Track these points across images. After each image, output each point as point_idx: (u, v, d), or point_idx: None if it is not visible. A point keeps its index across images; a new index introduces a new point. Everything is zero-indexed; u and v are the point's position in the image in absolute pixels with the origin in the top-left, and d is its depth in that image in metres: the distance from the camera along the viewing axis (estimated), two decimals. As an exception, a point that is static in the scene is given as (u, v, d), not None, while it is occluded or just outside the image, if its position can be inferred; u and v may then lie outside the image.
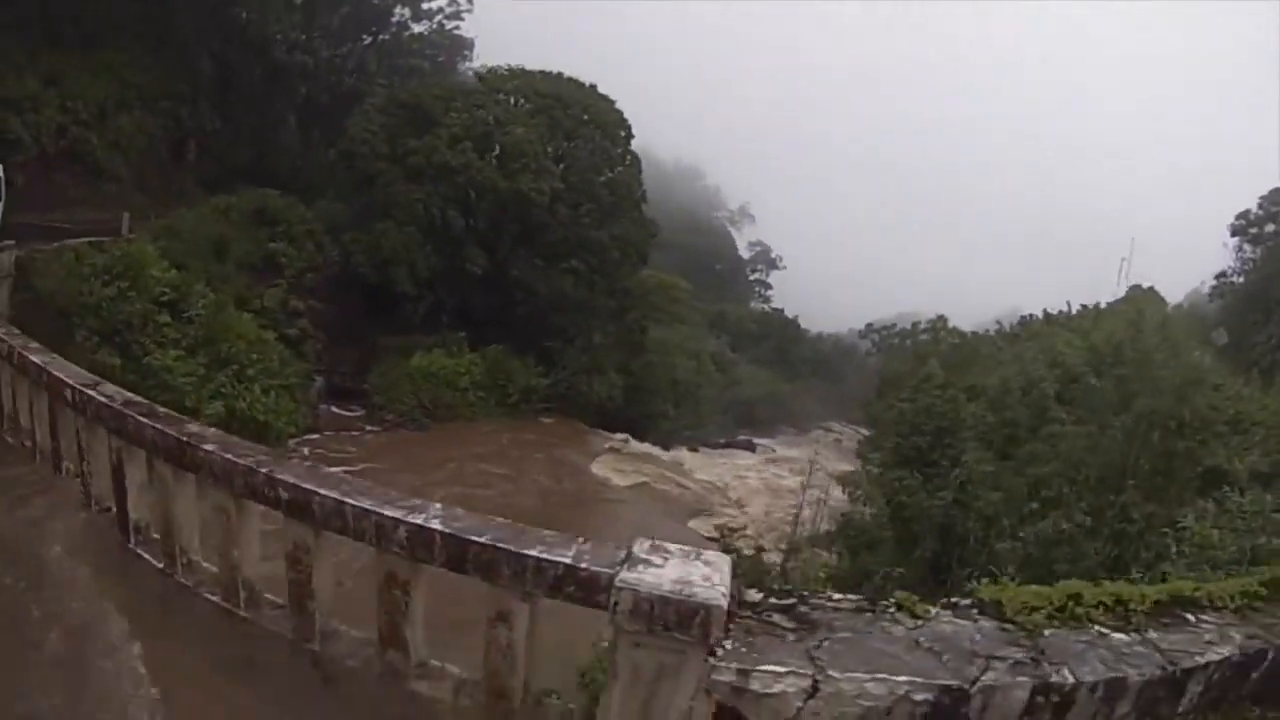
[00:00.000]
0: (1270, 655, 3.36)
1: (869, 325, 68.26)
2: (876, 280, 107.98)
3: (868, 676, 3.01)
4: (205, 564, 5.15)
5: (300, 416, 30.58)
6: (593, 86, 44.57)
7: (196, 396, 26.19)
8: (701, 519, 27.82)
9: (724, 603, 3.06)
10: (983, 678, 3.02)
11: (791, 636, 3.19)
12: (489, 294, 38.22)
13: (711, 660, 3.04)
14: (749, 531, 22.76)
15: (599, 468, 32.35)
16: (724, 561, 3.38)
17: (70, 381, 6.28)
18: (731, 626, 3.20)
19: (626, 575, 3.16)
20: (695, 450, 41.80)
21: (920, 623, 3.32)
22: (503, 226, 38.55)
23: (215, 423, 25.17)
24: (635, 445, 36.87)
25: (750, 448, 47.40)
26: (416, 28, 60.41)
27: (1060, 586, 3.52)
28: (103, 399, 5.83)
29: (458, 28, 61.68)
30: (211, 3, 45.55)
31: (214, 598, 4.90)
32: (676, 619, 3.06)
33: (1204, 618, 3.56)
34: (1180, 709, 3.24)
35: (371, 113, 40.74)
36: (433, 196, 37.42)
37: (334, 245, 38.74)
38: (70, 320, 24.65)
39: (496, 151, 38.65)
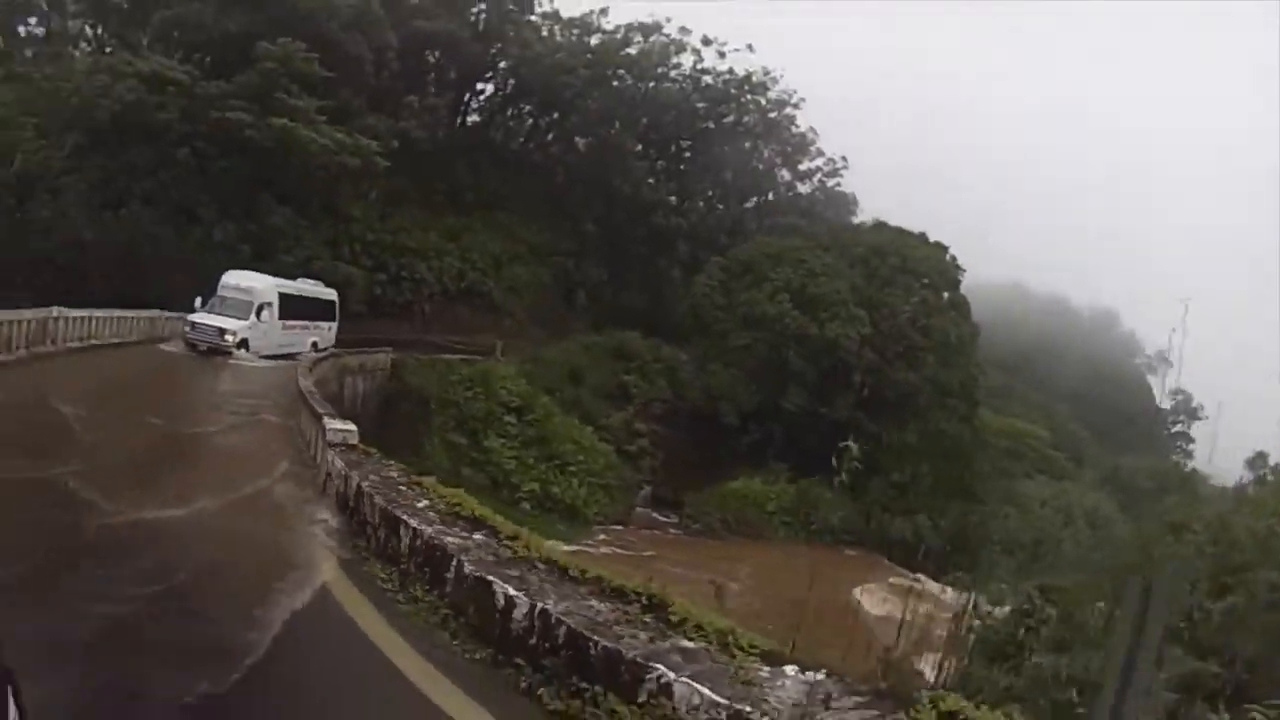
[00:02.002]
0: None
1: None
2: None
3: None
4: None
5: (609, 509, 39.65)
6: (921, 235, 50.69)
7: (520, 476, 37.05)
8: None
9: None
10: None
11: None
12: (809, 430, 44.64)
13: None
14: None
15: (863, 594, 36.36)
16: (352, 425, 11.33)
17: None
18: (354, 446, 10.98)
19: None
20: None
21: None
22: (817, 369, 45.28)
23: (531, 497, 36.33)
24: (928, 585, 39.93)
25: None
26: (802, 188, 71.07)
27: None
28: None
29: (838, 184, 71.43)
30: (593, 177, 59.54)
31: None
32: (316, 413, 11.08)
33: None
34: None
35: (714, 270, 50.58)
36: (756, 342, 45.73)
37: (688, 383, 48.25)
38: (430, 408, 36.80)
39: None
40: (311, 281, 36.93)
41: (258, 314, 30.58)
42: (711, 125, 64.86)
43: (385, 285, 49.35)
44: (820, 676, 5.30)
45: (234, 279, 31.47)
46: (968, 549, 44.40)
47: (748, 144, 67.16)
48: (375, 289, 48.58)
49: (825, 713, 4.91)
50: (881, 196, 78.80)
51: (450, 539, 7.81)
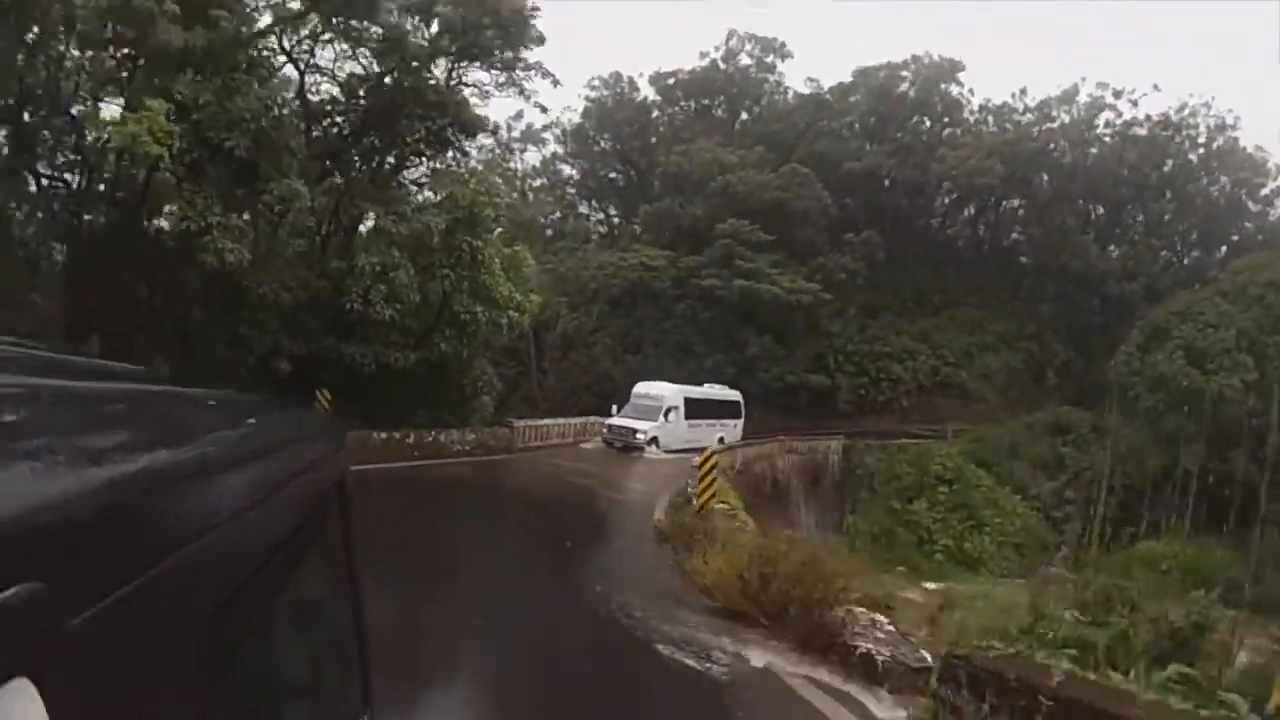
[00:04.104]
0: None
1: None
2: None
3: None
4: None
5: (1016, 565, 47.59)
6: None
7: (939, 534, 48.88)
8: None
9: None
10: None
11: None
12: (1208, 490, 48.42)
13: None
14: None
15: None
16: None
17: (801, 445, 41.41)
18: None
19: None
20: None
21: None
22: (1211, 425, 50.59)
23: (944, 551, 48.40)
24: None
25: None
26: (1273, 215, 72.06)
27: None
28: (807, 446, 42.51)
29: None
30: (1045, 257, 69.75)
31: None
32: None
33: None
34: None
35: (1135, 335, 58.13)
36: (1158, 404, 53.32)
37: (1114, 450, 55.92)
38: (873, 481, 51.43)
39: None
40: (720, 387, 46.41)
41: (665, 415, 38.42)
42: (1154, 175, 69.34)
43: (867, 387, 65.23)
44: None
45: (644, 388, 40.18)
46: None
47: (1205, 181, 70.44)
48: (860, 391, 65.05)
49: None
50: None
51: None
